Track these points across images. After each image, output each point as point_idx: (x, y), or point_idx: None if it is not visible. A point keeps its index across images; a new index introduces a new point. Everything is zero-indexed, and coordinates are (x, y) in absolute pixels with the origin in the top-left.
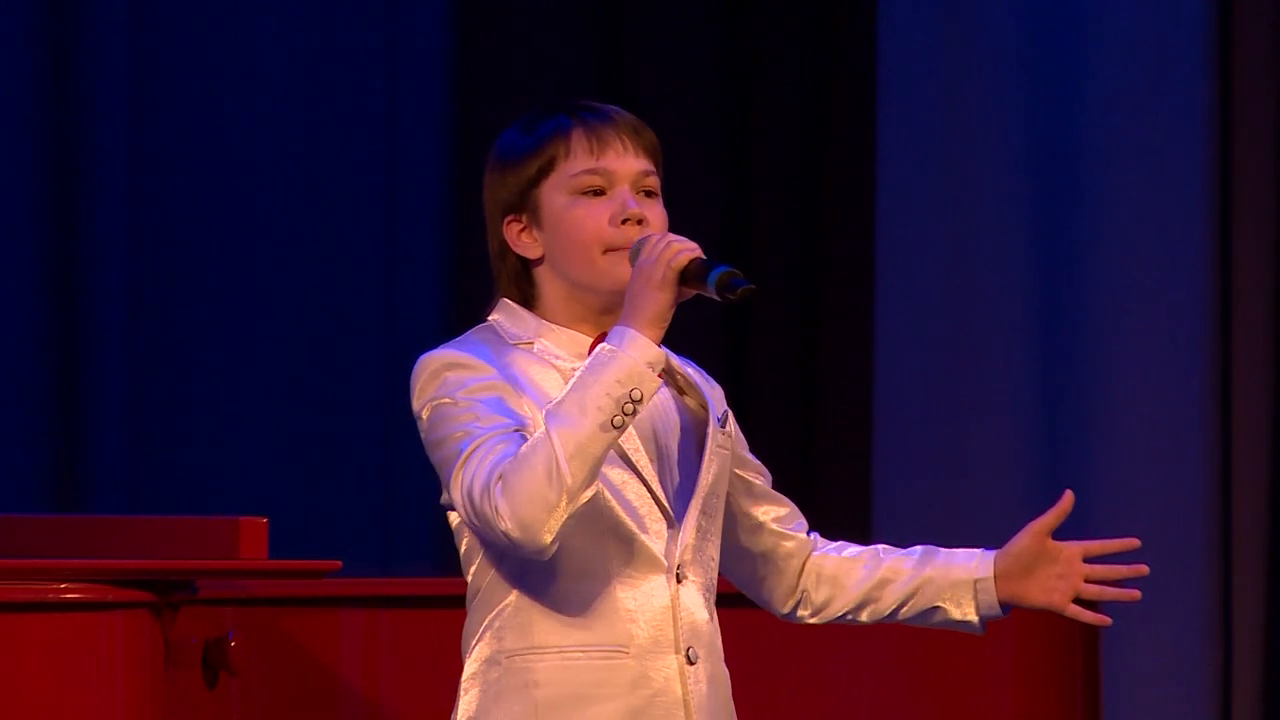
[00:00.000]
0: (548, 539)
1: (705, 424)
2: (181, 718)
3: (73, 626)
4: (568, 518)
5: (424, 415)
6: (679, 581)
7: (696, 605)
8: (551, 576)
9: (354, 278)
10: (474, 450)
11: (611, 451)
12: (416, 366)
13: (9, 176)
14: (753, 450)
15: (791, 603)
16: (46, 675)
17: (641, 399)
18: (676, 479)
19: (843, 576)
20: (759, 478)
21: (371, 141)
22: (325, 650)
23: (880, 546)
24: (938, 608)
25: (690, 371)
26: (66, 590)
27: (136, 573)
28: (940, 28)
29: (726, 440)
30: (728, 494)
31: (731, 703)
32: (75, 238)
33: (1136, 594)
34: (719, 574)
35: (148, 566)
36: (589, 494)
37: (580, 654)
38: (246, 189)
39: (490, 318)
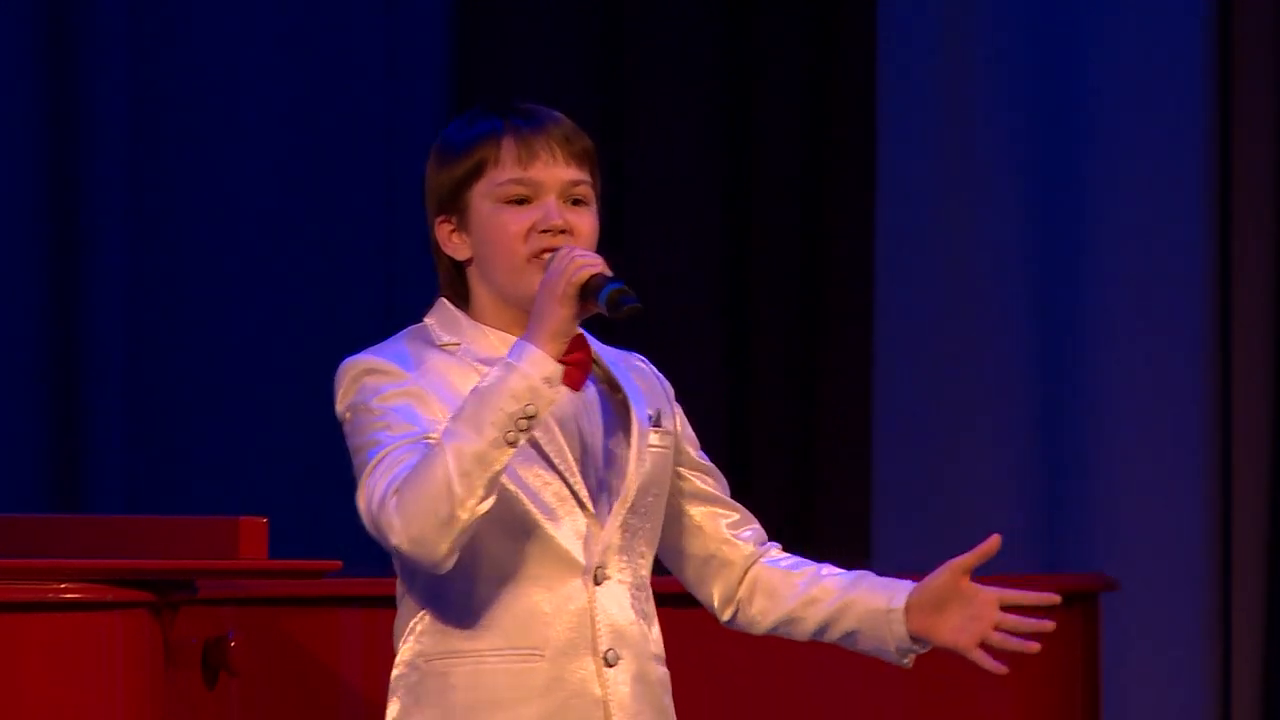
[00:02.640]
0: (439, 554)
1: (645, 421)
2: (181, 718)
3: (73, 626)
4: (462, 532)
5: (344, 420)
6: (598, 583)
7: (619, 606)
8: (469, 580)
9: (354, 278)
10: (378, 462)
11: (532, 453)
12: (338, 370)
13: (9, 176)
14: (752, 450)
15: (730, 611)
16: (46, 675)
17: (535, 415)
18: (604, 478)
19: (779, 589)
20: (706, 480)
21: (371, 142)
22: (325, 650)
23: (825, 566)
24: (856, 633)
25: (639, 366)
26: (66, 590)
27: (136, 573)
28: (940, 28)
29: (664, 438)
30: (670, 493)
31: (666, 702)
32: (75, 238)
33: (1037, 646)
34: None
35: (148, 566)
36: (484, 508)
37: (495, 658)
38: (246, 189)
39: (426, 318)
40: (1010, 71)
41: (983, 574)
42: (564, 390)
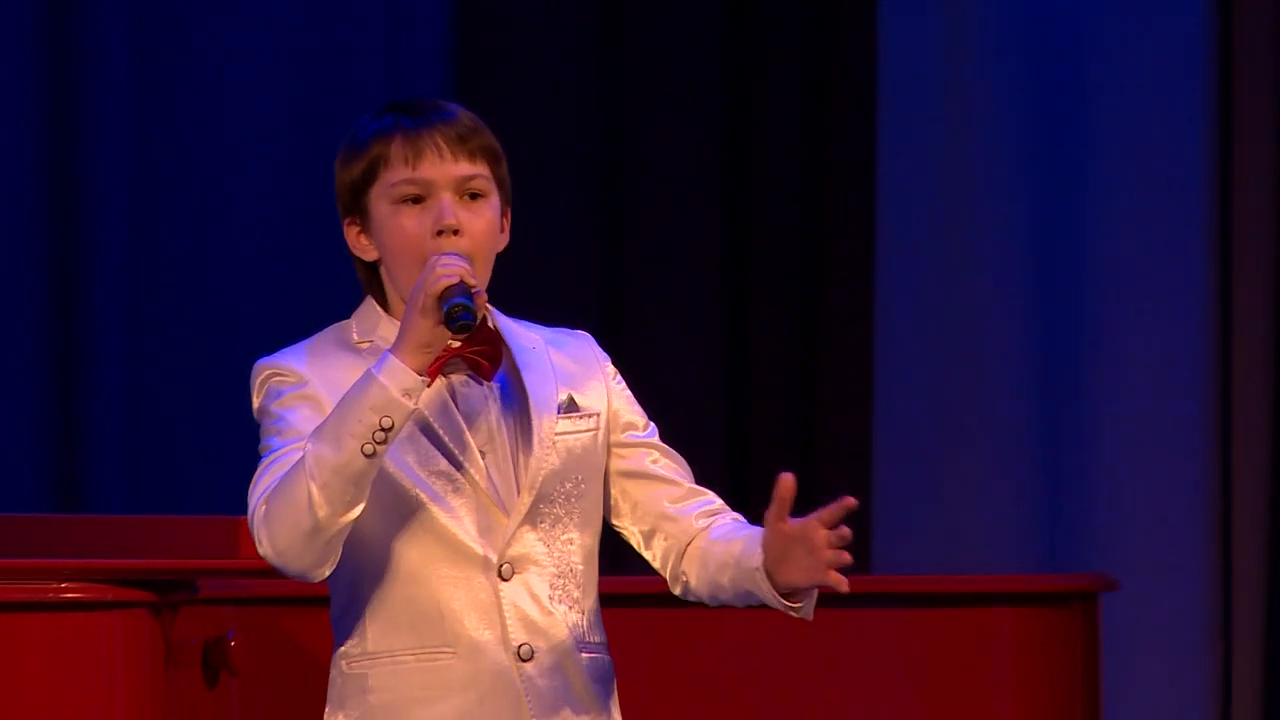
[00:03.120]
0: (304, 564)
1: (552, 409)
2: (181, 718)
3: (73, 626)
4: (328, 543)
5: (258, 422)
6: (505, 577)
7: (530, 598)
8: (379, 580)
9: (354, 278)
10: (262, 470)
11: (431, 448)
12: (252, 371)
13: (8, 176)
14: (752, 450)
15: (678, 587)
16: (46, 675)
17: (393, 426)
18: (514, 469)
19: (709, 558)
20: (642, 456)
21: None
22: (325, 650)
23: (732, 523)
24: (751, 594)
25: (572, 343)
26: (66, 590)
27: (136, 573)
28: (940, 28)
29: (583, 421)
30: (607, 473)
31: (596, 690)
32: (75, 238)
33: (847, 556)
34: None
35: (148, 566)
36: (349, 518)
37: (409, 657)
38: (247, 189)
39: (353, 314)
40: (1011, 72)
41: (983, 573)
42: (423, 400)
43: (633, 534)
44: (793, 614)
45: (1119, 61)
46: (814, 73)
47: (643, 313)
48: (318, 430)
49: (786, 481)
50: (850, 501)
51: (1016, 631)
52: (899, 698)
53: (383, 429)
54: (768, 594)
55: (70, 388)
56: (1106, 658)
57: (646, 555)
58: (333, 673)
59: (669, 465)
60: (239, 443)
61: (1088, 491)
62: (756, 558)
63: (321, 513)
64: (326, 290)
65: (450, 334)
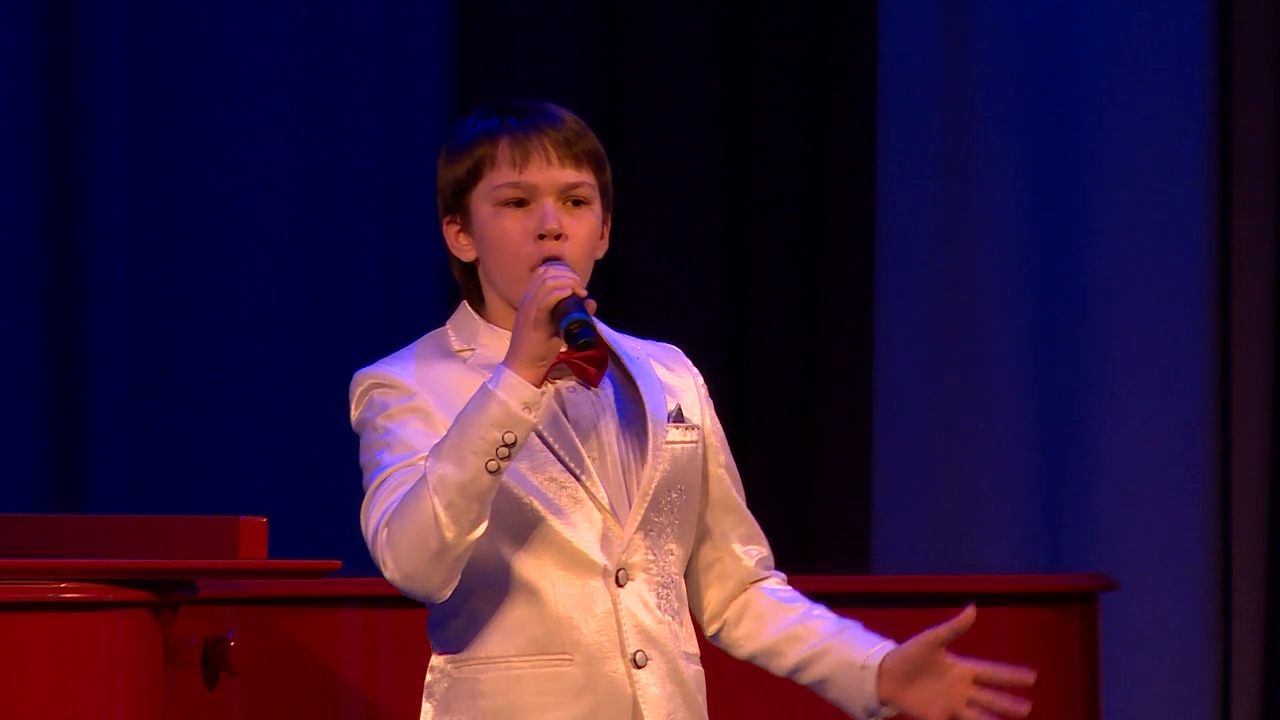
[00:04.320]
0: (432, 586)
1: (663, 417)
2: (181, 718)
3: (73, 626)
4: (455, 561)
5: (357, 433)
6: (620, 584)
7: (643, 607)
8: (495, 587)
9: (354, 278)
10: (376, 487)
11: (549, 457)
12: (351, 382)
13: (8, 176)
14: (752, 451)
15: (715, 626)
16: (46, 675)
17: (515, 442)
18: (625, 478)
19: (767, 619)
20: (726, 486)
21: (371, 141)
22: (325, 650)
23: (818, 607)
24: (827, 681)
25: (669, 357)
26: (66, 590)
27: (136, 573)
28: (940, 28)
29: (689, 433)
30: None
31: (700, 700)
32: (75, 237)
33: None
34: None
35: (148, 566)
36: (475, 535)
37: (524, 663)
38: (246, 189)
39: (448, 322)
40: (1011, 72)
41: (983, 573)
42: (541, 414)
43: (690, 560)
44: (854, 714)
45: (1119, 62)
46: (814, 73)
47: (642, 312)
48: (437, 449)
49: (969, 615)
50: (1026, 678)
51: (1016, 631)
52: None
53: (505, 445)
54: (863, 693)
55: (70, 388)
56: (1106, 658)
57: (691, 585)
58: (434, 675)
59: (741, 497)
60: (239, 443)
61: (1088, 491)
62: (874, 657)
63: (449, 533)
64: (326, 290)
65: (564, 346)
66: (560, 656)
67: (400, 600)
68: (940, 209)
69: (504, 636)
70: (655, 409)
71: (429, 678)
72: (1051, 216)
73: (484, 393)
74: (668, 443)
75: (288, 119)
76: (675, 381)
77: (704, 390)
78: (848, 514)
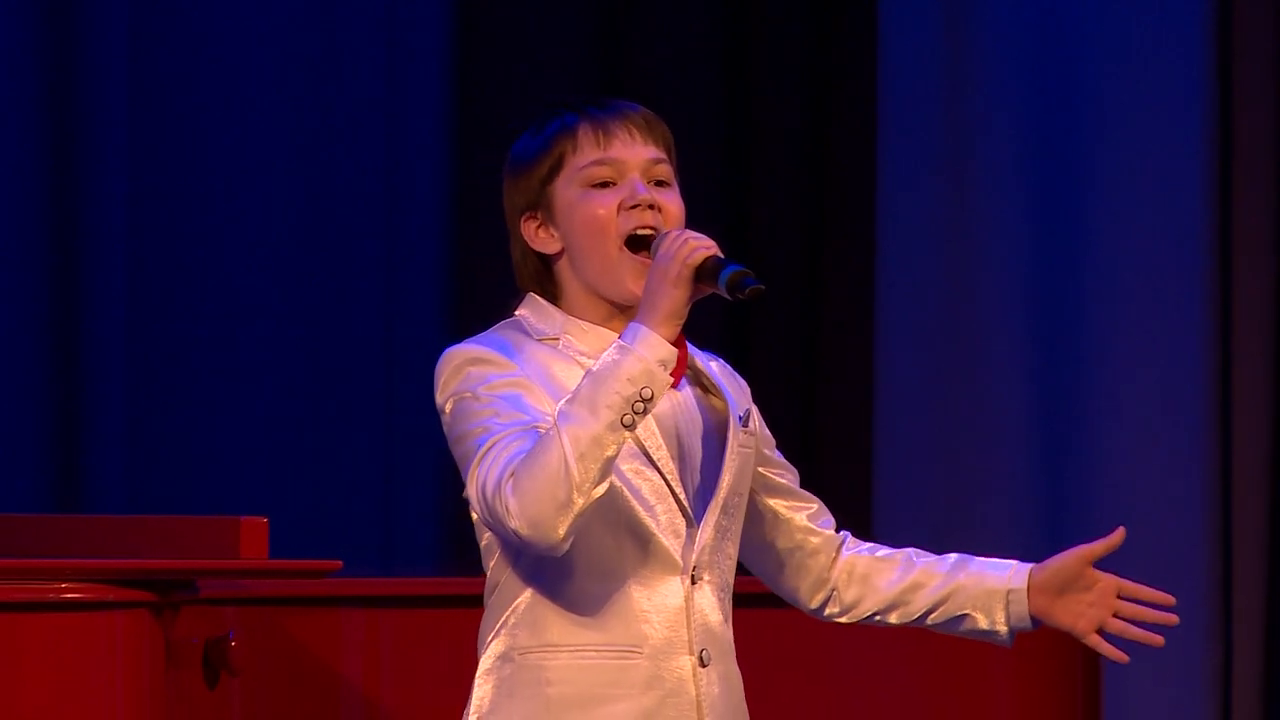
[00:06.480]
0: (558, 536)
1: (727, 423)
2: (181, 718)
3: (73, 626)
4: (579, 515)
5: (446, 409)
6: (694, 583)
7: (710, 606)
8: (567, 574)
9: (354, 278)
10: (490, 447)
11: (633, 449)
12: (441, 360)
13: (8, 176)
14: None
15: (820, 598)
16: (46, 675)
17: (652, 398)
18: (697, 479)
19: (874, 577)
20: (784, 474)
21: (371, 141)
22: (325, 650)
23: (912, 550)
24: (966, 615)
25: (716, 368)
26: (66, 590)
27: (136, 573)
28: (940, 28)
29: (749, 439)
30: (751, 490)
31: (744, 704)
32: (75, 237)
33: (1160, 639)
34: (742, 573)
35: (148, 566)
36: (600, 491)
37: (593, 653)
38: (246, 189)
39: (517, 312)
40: (1010, 72)
41: None
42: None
43: (768, 553)
44: (1005, 642)
45: (1119, 62)
46: (814, 73)
47: None
48: (568, 403)
49: (1120, 534)
50: (1169, 599)
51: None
52: (899, 697)
53: (642, 399)
54: (1013, 615)
55: (71, 388)
56: (1106, 658)
57: (768, 571)
58: (493, 662)
59: (796, 481)
60: (239, 443)
61: (1088, 491)
62: (1017, 578)
63: (579, 484)
64: (326, 290)
65: (721, 296)
66: (632, 649)
67: (401, 601)
68: (940, 209)
69: (577, 626)
70: (735, 413)
71: (485, 664)
72: (1051, 216)
73: (618, 348)
74: (740, 447)
75: (288, 119)
76: (733, 385)
77: (749, 392)
78: (848, 513)
